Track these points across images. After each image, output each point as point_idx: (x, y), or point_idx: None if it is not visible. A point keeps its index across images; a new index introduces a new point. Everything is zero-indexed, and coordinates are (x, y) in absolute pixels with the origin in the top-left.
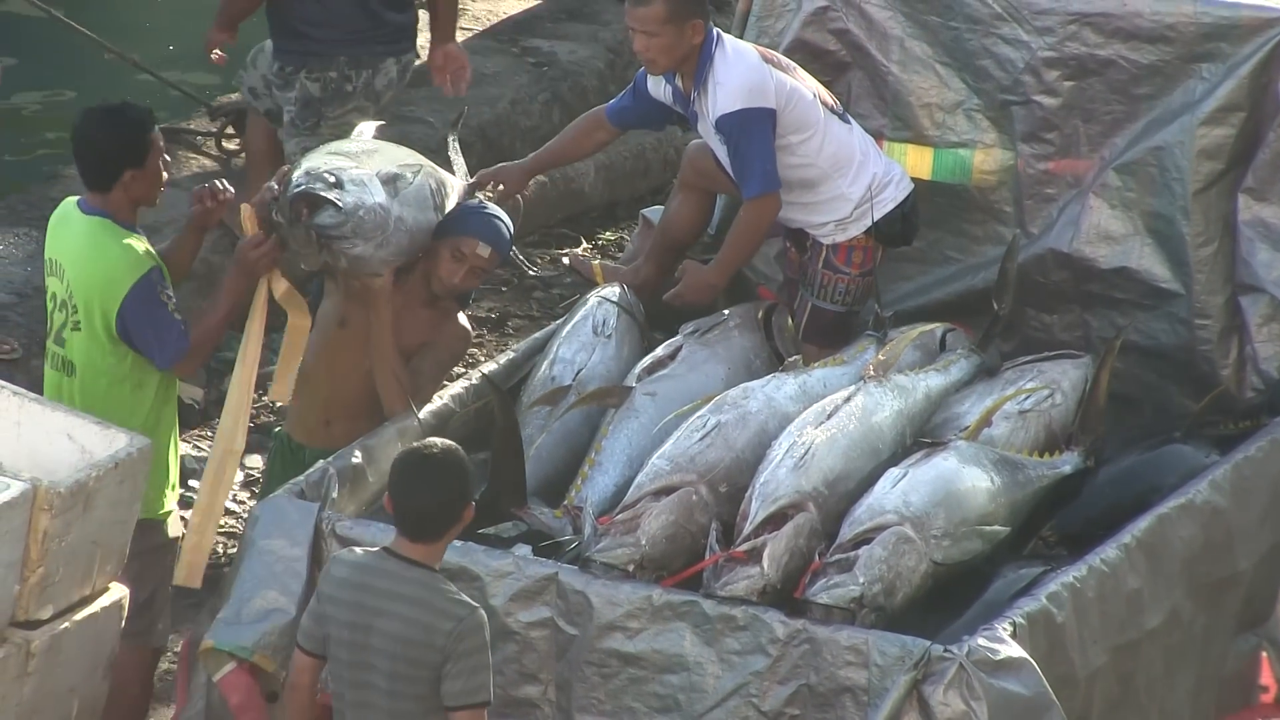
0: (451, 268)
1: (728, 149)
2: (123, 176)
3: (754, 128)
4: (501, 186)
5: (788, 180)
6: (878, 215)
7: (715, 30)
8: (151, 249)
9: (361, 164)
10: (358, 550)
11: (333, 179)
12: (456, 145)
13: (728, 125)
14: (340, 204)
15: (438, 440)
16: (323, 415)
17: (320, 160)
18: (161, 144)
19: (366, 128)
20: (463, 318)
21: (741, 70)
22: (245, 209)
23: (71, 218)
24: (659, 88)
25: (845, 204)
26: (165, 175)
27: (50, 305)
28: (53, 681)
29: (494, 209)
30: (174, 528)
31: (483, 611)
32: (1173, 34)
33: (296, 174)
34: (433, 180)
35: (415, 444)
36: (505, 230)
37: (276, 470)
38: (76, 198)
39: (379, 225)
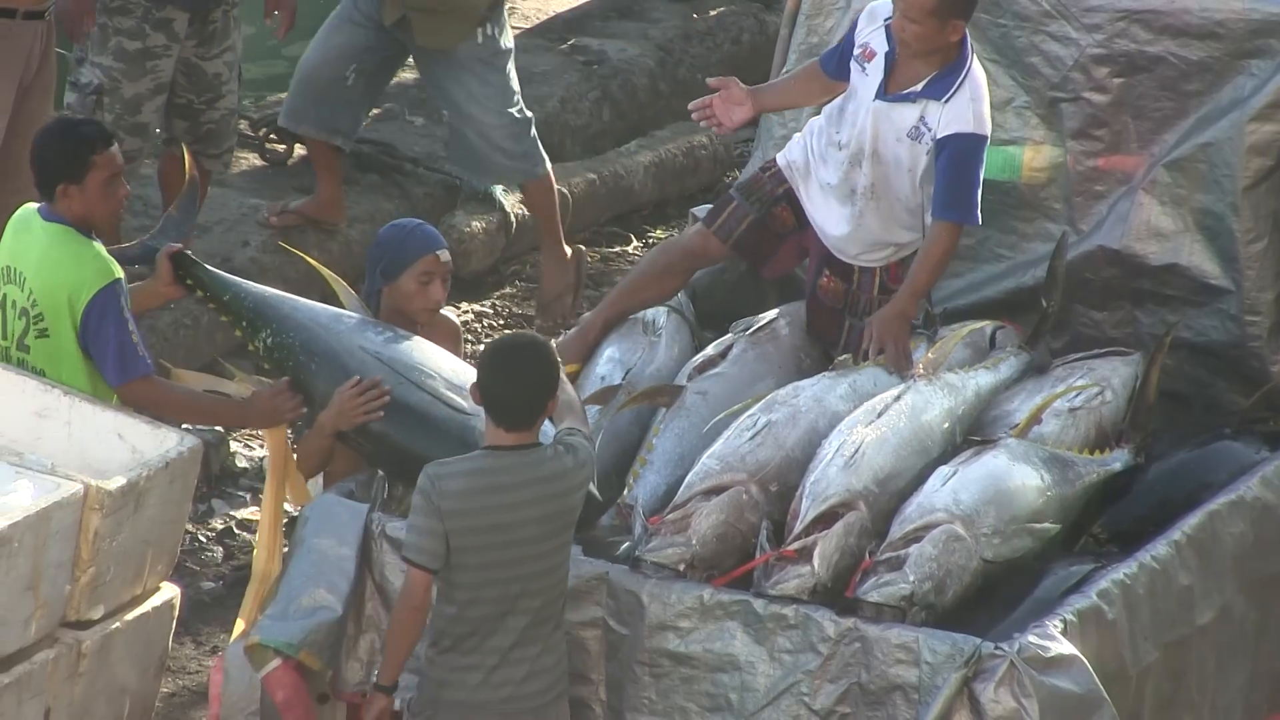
0: (425, 291)
1: (947, 164)
2: (58, 189)
3: (982, 156)
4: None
5: (910, 206)
6: None
7: (968, 36)
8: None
9: None
10: (450, 461)
11: None
12: None
13: (965, 145)
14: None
15: (525, 331)
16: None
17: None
18: (114, 169)
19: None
20: (445, 313)
21: (987, 95)
22: None
23: (32, 224)
24: (874, 22)
25: (918, 237)
26: (118, 200)
27: (10, 313)
28: (104, 682)
29: (405, 222)
30: None
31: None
32: (1222, 30)
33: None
34: None
35: (504, 335)
36: (428, 227)
37: None
38: (37, 205)
39: None
